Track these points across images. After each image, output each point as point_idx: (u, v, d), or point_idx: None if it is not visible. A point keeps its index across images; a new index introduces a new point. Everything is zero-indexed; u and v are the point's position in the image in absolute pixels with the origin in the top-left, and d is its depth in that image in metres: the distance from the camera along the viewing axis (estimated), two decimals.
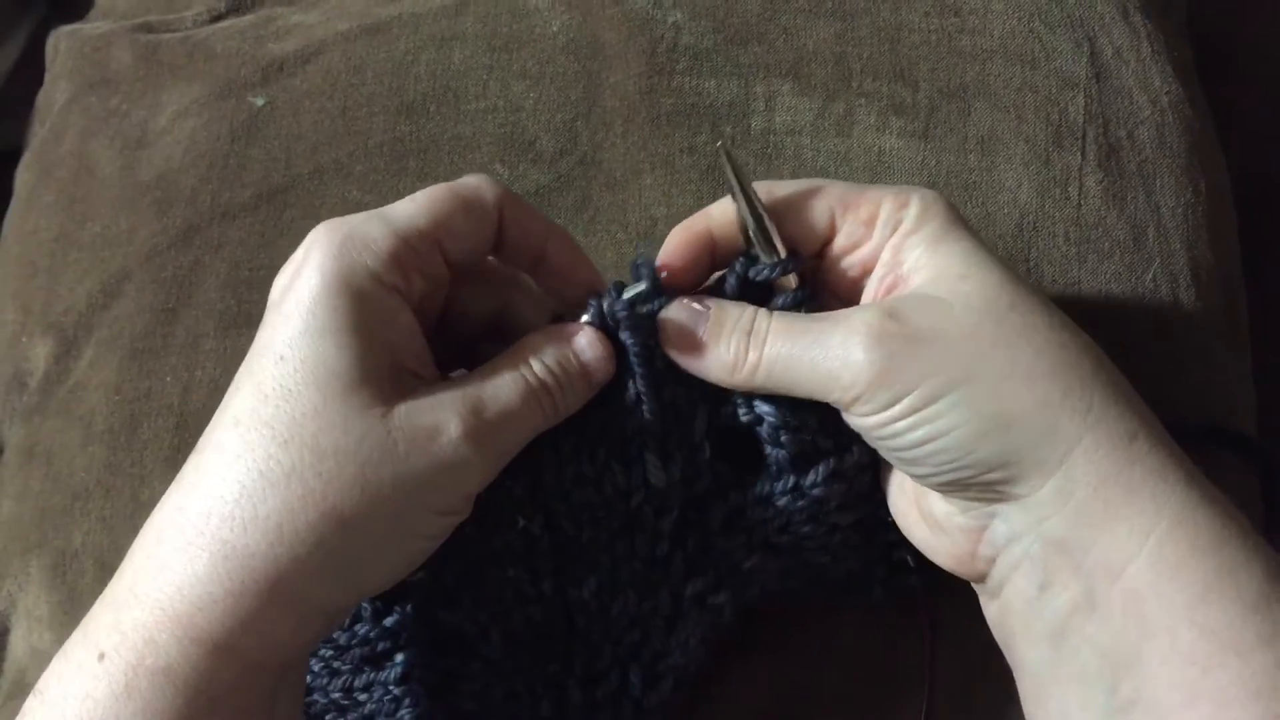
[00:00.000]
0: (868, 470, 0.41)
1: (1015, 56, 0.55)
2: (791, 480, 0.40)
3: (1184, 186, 0.53)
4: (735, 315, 0.38)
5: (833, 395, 0.36)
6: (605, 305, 0.38)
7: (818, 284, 0.40)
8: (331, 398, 0.33)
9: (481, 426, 0.35)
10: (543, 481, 0.40)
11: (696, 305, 0.39)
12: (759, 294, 0.40)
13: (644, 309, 0.38)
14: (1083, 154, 0.53)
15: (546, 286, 0.41)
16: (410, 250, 0.35)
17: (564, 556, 0.40)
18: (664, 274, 0.39)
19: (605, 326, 0.38)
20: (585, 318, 0.39)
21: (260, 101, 0.58)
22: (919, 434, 0.35)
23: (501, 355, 0.37)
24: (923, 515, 0.40)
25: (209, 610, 0.33)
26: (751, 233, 0.39)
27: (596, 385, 0.38)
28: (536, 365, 0.37)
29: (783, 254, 0.39)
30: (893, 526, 0.42)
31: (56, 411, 0.53)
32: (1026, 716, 0.38)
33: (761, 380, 0.38)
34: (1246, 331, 0.54)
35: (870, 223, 0.38)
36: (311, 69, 0.58)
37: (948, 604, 0.44)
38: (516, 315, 0.41)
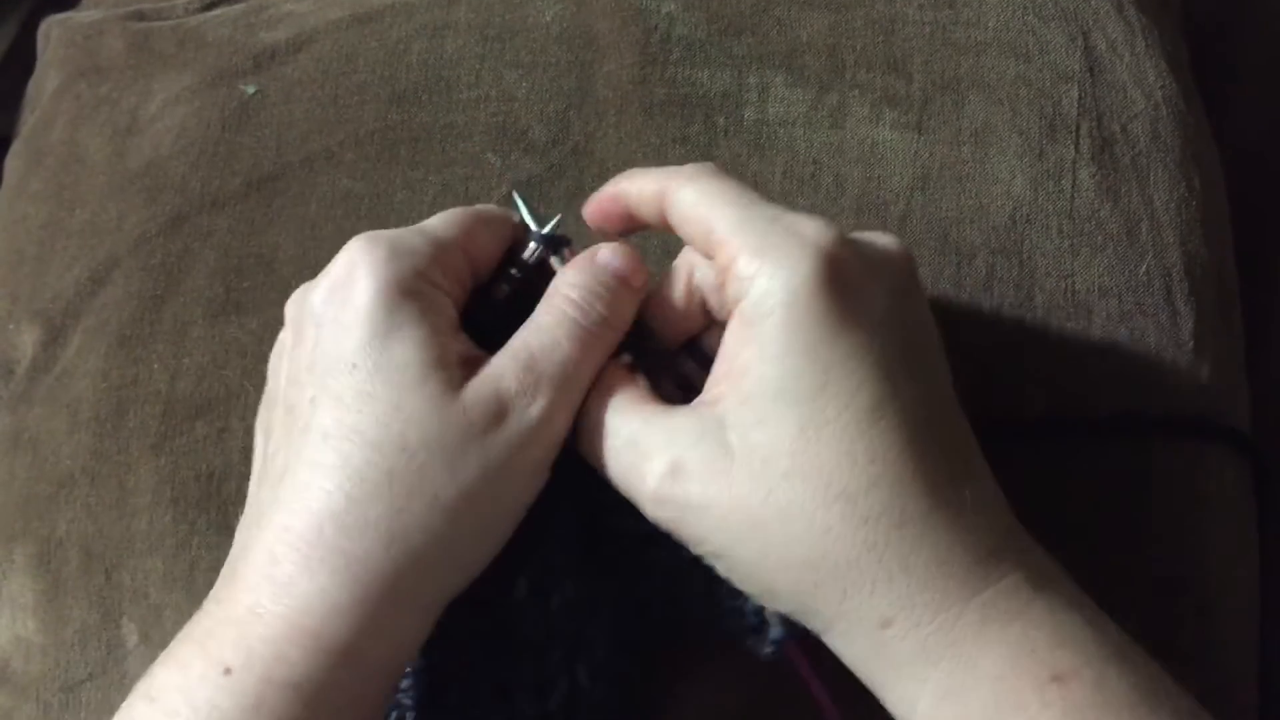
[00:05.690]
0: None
1: (1009, 49, 0.55)
2: None
3: (1178, 181, 0.53)
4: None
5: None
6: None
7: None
8: (407, 394, 0.34)
9: (540, 378, 0.36)
10: None
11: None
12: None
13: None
14: (1076, 147, 0.53)
15: None
16: (446, 255, 0.37)
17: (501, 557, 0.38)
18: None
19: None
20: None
21: (251, 89, 0.57)
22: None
23: (539, 306, 0.38)
24: None
25: (336, 621, 0.33)
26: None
27: (640, 288, 0.39)
28: (569, 292, 0.37)
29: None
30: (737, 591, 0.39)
31: (43, 399, 0.53)
32: None
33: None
34: (1240, 325, 0.54)
35: (724, 271, 0.36)
36: (303, 57, 0.58)
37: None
38: None
